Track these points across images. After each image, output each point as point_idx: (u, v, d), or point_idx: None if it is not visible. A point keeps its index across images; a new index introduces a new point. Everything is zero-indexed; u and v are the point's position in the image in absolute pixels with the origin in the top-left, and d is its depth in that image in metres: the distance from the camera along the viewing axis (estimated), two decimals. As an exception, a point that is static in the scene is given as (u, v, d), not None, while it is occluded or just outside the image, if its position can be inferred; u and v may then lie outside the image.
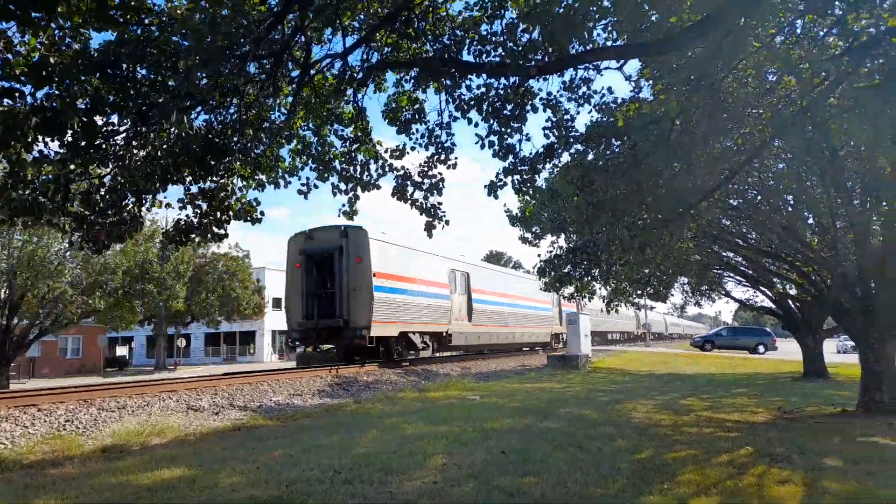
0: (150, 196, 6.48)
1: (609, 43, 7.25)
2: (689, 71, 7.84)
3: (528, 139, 7.36)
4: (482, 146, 7.26)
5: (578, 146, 8.57)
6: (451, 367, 22.05)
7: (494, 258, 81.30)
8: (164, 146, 6.37)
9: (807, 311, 18.29)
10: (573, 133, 7.67)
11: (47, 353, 42.75)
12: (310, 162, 8.02)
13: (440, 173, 8.02)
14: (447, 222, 7.96)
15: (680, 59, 8.13)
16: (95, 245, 6.09)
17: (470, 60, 6.90)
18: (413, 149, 8.00)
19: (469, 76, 7.14)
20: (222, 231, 7.64)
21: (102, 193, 6.06)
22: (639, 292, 18.29)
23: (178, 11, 5.45)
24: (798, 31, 8.52)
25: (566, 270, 11.34)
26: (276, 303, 59.68)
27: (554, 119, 7.47)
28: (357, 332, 18.51)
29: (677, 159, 8.15)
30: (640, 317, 59.90)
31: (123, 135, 5.79)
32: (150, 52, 5.16)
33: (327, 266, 19.30)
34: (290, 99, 7.44)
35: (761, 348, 37.46)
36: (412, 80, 7.43)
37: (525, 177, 7.45)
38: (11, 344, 28.79)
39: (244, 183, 7.88)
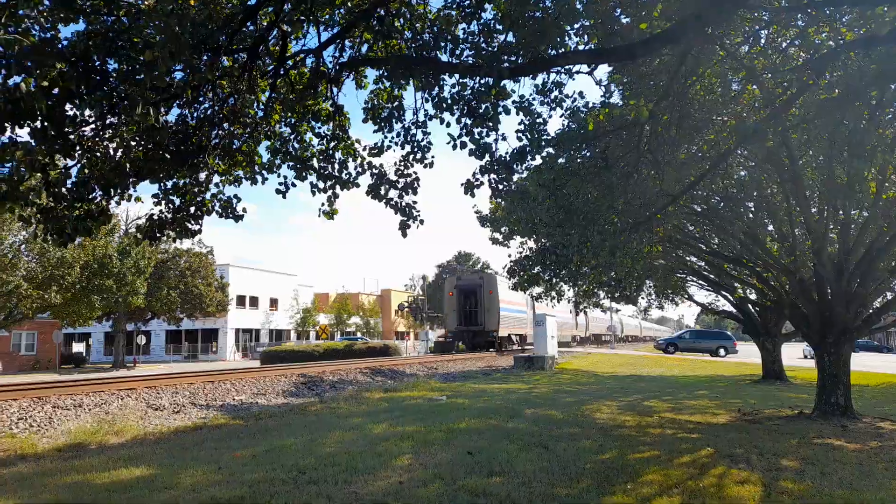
0: (120, 190, 6.28)
1: (581, 47, 7.32)
2: (658, 77, 7.99)
3: (505, 139, 7.38)
4: (454, 146, 7.25)
5: (550, 150, 8.63)
6: (418, 368, 22.04)
7: (463, 259, 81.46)
8: (134, 140, 6.19)
9: (766, 315, 18.79)
10: (545, 137, 7.72)
11: (0, 349, 41.29)
12: (287, 160, 7.89)
13: (415, 172, 7.99)
14: (421, 221, 7.93)
15: (649, 65, 8.27)
16: (61, 237, 5.87)
17: (444, 60, 6.89)
18: (389, 147, 7.95)
19: (443, 75, 7.13)
20: (197, 227, 7.48)
21: (69, 186, 5.85)
22: (608, 295, 18.56)
23: (147, 3, 5.30)
24: (762, 41, 8.77)
25: (535, 271, 11.43)
26: (240, 300, 58.86)
27: (527, 122, 7.50)
28: (490, 333, 35.21)
29: (646, 164, 8.29)
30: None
31: (92, 125, 5.62)
32: (119, 44, 5.01)
33: (472, 295, 35.95)
34: (266, 94, 7.32)
35: (722, 351, 38.36)
36: (388, 77, 7.37)
37: (500, 176, 7.46)
38: (-39, 339, 27.70)
39: (220, 178, 7.73)
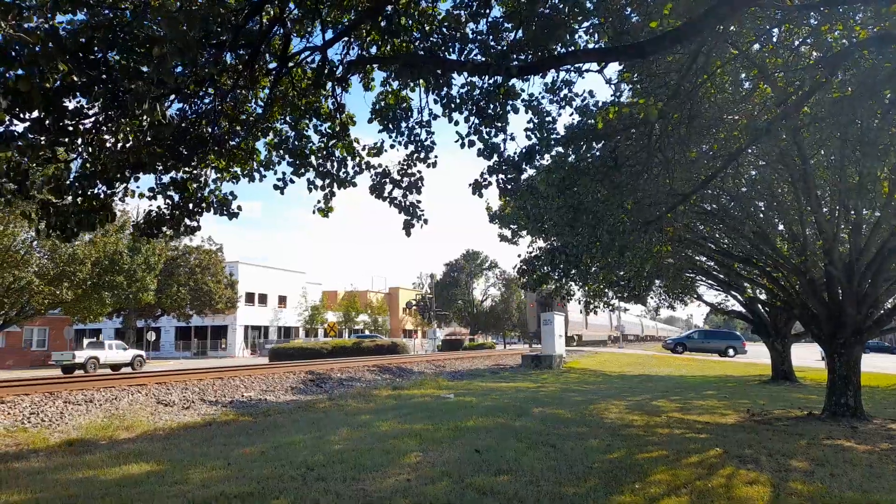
0: (122, 184, 6.31)
1: (591, 45, 7.29)
2: (669, 75, 7.94)
3: (513, 139, 7.36)
4: (462, 145, 7.24)
5: (559, 149, 8.61)
6: (426, 366, 22.06)
7: (472, 257, 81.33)
8: (136, 133, 6.21)
9: (776, 315, 18.65)
10: (554, 135, 7.69)
11: (12, 345, 41.69)
12: (286, 156, 7.91)
13: (419, 171, 7.99)
14: (426, 221, 7.93)
15: (660, 63, 8.22)
16: (64, 233, 5.91)
17: (452, 58, 6.87)
18: (392, 146, 7.94)
19: (451, 74, 7.11)
20: (195, 223, 7.50)
21: (71, 180, 5.89)
22: (618, 295, 18.49)
23: None
24: (774, 39, 8.69)
25: (545, 271, 11.40)
26: (249, 298, 59.16)
27: (536, 121, 7.48)
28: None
29: (656, 163, 8.25)
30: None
31: (93, 119, 5.65)
32: (122, 38, 5.02)
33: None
34: (266, 91, 7.33)
35: (731, 351, 38.12)
36: (395, 76, 7.36)
37: (509, 176, 7.44)
38: (-26, 334, 27.97)
39: (218, 175, 7.76)
